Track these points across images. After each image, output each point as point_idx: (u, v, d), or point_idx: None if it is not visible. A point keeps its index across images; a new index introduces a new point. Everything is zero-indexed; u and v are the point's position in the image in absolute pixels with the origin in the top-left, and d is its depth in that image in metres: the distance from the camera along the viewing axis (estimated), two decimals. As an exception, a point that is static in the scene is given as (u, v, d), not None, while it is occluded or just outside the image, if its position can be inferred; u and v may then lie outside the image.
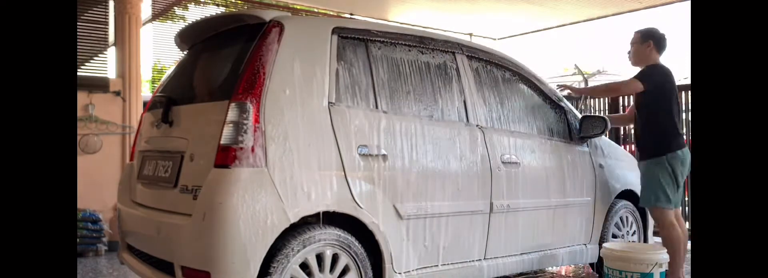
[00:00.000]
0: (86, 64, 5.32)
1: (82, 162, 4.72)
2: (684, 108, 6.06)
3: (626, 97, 6.62)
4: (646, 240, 4.10)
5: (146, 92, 6.33)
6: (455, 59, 3.04)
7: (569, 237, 3.48)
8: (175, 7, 6.64)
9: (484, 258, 2.96)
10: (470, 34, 8.12)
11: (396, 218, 2.54)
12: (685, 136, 3.96)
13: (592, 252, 3.62)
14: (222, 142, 2.17)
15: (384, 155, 2.53)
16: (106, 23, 5.39)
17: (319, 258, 2.34)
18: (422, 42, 2.93)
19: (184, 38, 3.05)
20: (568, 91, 3.99)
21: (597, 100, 6.78)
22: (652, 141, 3.57)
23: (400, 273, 2.56)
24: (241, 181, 2.13)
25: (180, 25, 5.75)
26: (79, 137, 4.97)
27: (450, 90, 3.00)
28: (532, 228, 3.23)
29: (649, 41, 3.66)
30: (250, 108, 2.19)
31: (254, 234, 2.12)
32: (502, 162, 3.02)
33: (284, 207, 2.18)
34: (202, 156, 2.29)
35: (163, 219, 2.42)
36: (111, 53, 5.43)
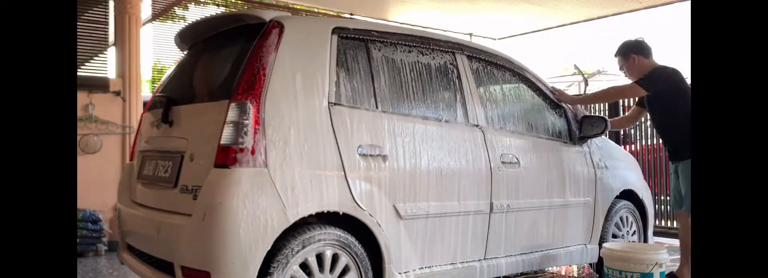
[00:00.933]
0: (86, 64, 5.32)
1: (82, 162, 4.72)
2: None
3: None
4: (646, 240, 4.10)
5: (146, 92, 6.33)
6: (455, 59, 3.04)
7: (569, 237, 3.48)
8: (175, 7, 6.64)
9: (484, 258, 2.96)
10: (470, 34, 8.12)
11: (396, 218, 2.54)
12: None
13: (592, 252, 3.62)
14: (222, 142, 2.17)
15: (384, 155, 2.53)
16: (106, 23, 5.40)
17: (319, 258, 2.34)
18: (422, 42, 2.93)
19: (184, 38, 3.05)
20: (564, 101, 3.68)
21: (597, 100, 6.77)
22: (687, 139, 3.28)
23: (400, 273, 2.56)
24: (241, 181, 2.13)
25: (180, 25, 5.75)
26: (79, 137, 4.97)
27: (450, 90, 3.00)
28: (532, 229, 3.23)
29: (630, 55, 3.65)
30: (250, 108, 2.19)
31: (254, 234, 2.12)
32: (502, 163, 3.02)
33: (284, 207, 2.18)
34: (202, 156, 2.29)
35: (163, 219, 2.42)
36: (111, 53, 5.43)
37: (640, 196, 4.02)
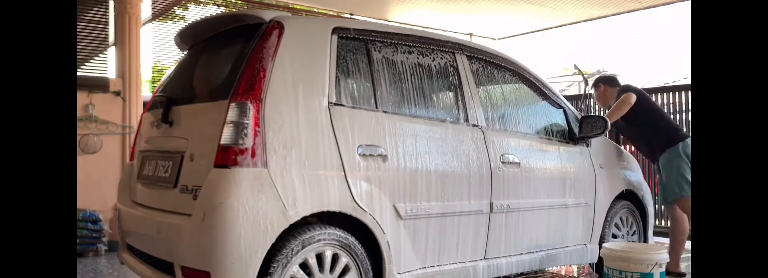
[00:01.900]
0: (86, 64, 5.32)
1: (82, 162, 4.73)
2: (684, 108, 6.07)
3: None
4: (646, 240, 4.10)
5: (146, 92, 6.33)
6: (455, 59, 3.04)
7: (569, 237, 3.48)
8: (175, 7, 6.64)
9: (484, 258, 2.96)
10: (470, 34, 8.12)
11: (396, 218, 2.54)
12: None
13: (592, 252, 3.62)
14: (222, 142, 2.17)
15: (384, 155, 2.53)
16: (106, 23, 5.40)
17: (319, 258, 2.34)
18: (422, 42, 2.93)
19: (184, 38, 3.04)
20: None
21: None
22: (662, 136, 3.95)
23: (400, 273, 2.56)
24: (241, 181, 2.13)
25: (180, 25, 5.75)
26: (79, 137, 4.97)
27: (450, 90, 3.00)
28: (532, 229, 3.22)
29: (599, 84, 4.33)
30: (250, 108, 2.19)
31: (254, 235, 2.12)
32: (502, 163, 3.02)
33: (284, 207, 2.18)
34: (202, 156, 2.29)
35: (163, 219, 2.42)
36: (111, 53, 5.43)
37: (640, 196, 4.02)
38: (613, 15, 7.21)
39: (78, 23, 5.09)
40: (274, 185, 2.18)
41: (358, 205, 2.40)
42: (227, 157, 2.15)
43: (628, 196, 3.93)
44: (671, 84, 9.49)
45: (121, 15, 5.35)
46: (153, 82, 9.66)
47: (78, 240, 4.64)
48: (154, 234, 2.43)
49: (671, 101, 6.21)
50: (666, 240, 5.57)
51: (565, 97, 4.76)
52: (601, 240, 3.68)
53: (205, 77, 2.77)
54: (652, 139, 4.05)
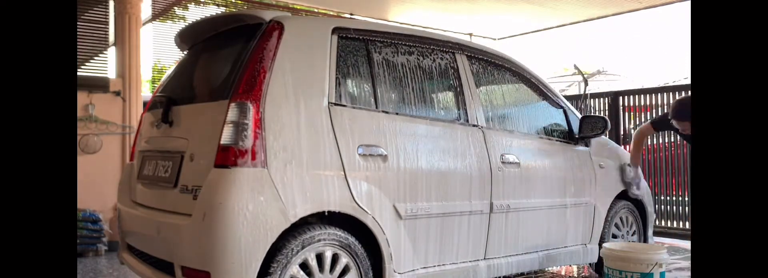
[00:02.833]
0: (86, 64, 5.31)
1: (82, 162, 4.73)
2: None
3: (626, 96, 6.64)
4: (646, 240, 4.10)
5: (146, 92, 6.33)
6: (455, 59, 3.04)
7: (569, 237, 3.48)
8: (175, 7, 6.64)
9: (484, 258, 2.96)
10: (470, 34, 8.12)
11: (396, 218, 2.54)
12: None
13: (592, 252, 3.62)
14: (222, 142, 2.17)
15: (384, 155, 2.53)
16: (106, 23, 5.39)
17: (319, 258, 2.34)
18: (422, 42, 2.93)
19: (184, 38, 3.05)
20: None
21: (597, 99, 6.80)
22: None
23: (400, 273, 2.56)
24: (241, 181, 2.13)
25: (180, 25, 5.75)
26: (79, 137, 4.96)
27: (450, 90, 3.00)
28: (532, 229, 3.22)
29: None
30: (250, 108, 2.19)
31: (254, 235, 2.12)
32: (502, 163, 3.02)
33: (284, 207, 2.18)
34: (202, 156, 2.29)
35: (163, 219, 2.42)
36: (111, 53, 5.43)
37: (640, 196, 4.02)
38: (613, 15, 7.21)
39: (78, 23, 5.09)
40: (274, 185, 2.18)
41: (358, 205, 2.40)
42: (227, 157, 2.15)
43: (628, 196, 3.93)
44: (671, 84, 9.49)
45: (121, 15, 5.35)
46: (153, 82, 9.65)
47: (78, 240, 4.64)
48: (154, 234, 2.43)
49: (671, 101, 6.21)
50: (666, 240, 5.59)
51: (565, 97, 4.76)
52: (601, 240, 3.68)
53: (205, 77, 2.77)
54: None
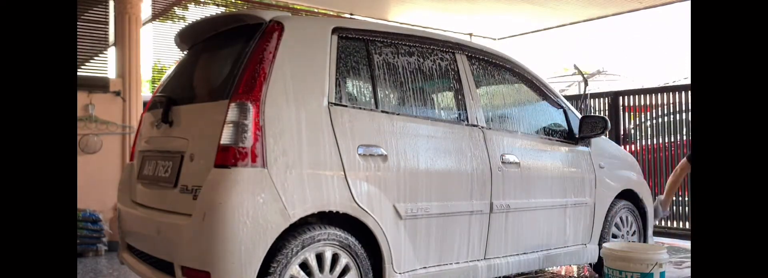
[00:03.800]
0: (86, 64, 5.32)
1: (82, 162, 4.72)
2: (684, 108, 6.08)
3: (626, 96, 6.64)
4: (646, 240, 4.10)
5: (146, 92, 6.33)
6: (455, 59, 3.04)
7: (569, 237, 3.48)
8: (175, 7, 6.64)
9: (484, 258, 2.96)
10: (470, 34, 8.12)
11: (396, 218, 2.54)
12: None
13: (592, 252, 3.62)
14: (222, 142, 2.17)
15: (384, 155, 2.53)
16: (106, 23, 5.39)
17: (319, 258, 2.34)
18: (422, 42, 2.93)
19: (184, 38, 3.04)
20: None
21: (597, 99, 6.80)
22: None
23: (400, 273, 2.56)
24: (241, 181, 2.13)
25: (180, 25, 5.75)
26: (79, 137, 4.97)
27: (450, 90, 3.00)
28: (532, 228, 3.22)
29: None
30: (250, 108, 2.19)
31: (254, 235, 2.12)
32: (502, 163, 3.02)
33: (284, 207, 2.18)
34: (202, 156, 2.29)
35: (163, 219, 2.42)
36: (111, 53, 5.43)
37: (640, 196, 4.02)
38: (613, 15, 7.21)
39: (78, 23, 5.09)
40: (274, 185, 2.17)
41: (358, 205, 2.40)
42: (227, 157, 2.15)
43: (628, 196, 3.93)
44: (671, 84, 9.50)
45: (121, 15, 5.35)
46: (153, 82, 9.65)
47: (78, 240, 4.64)
48: (154, 234, 2.43)
49: (671, 101, 6.22)
50: (666, 240, 5.59)
51: (565, 97, 4.76)
52: (601, 240, 3.68)
53: (205, 77, 2.77)
54: None
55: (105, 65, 5.42)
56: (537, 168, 3.25)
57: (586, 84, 6.70)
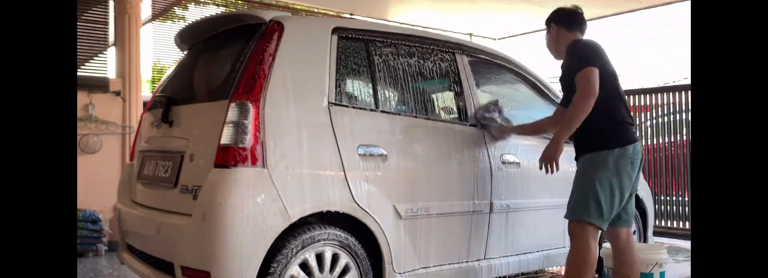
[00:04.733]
0: (86, 64, 5.31)
1: (82, 162, 4.72)
2: (684, 108, 6.08)
3: (626, 96, 6.63)
4: (646, 240, 4.10)
5: (146, 92, 6.33)
6: (455, 59, 3.04)
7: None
8: (175, 7, 6.64)
9: (484, 258, 2.96)
10: (470, 34, 8.12)
11: (396, 218, 2.54)
12: (636, 129, 2.90)
13: (592, 252, 3.61)
14: (222, 142, 2.18)
15: (384, 155, 2.53)
16: (106, 23, 5.39)
17: (319, 258, 2.34)
18: (422, 42, 2.93)
19: (184, 38, 3.05)
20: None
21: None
22: (594, 132, 2.65)
23: (400, 273, 2.56)
24: (241, 181, 2.13)
25: (180, 25, 5.74)
26: (79, 137, 4.96)
27: (450, 90, 3.00)
28: (532, 228, 3.22)
29: (551, 25, 2.97)
30: (250, 108, 2.20)
31: (254, 235, 2.12)
32: (503, 163, 3.02)
33: (284, 207, 2.18)
34: (202, 156, 2.29)
35: (163, 219, 2.42)
36: (111, 53, 5.43)
37: (640, 196, 4.01)
38: (613, 15, 7.21)
39: (78, 23, 5.08)
40: (274, 185, 2.18)
41: (358, 205, 2.40)
42: (227, 157, 2.15)
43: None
44: (671, 84, 9.49)
45: (121, 15, 5.35)
46: (153, 82, 9.65)
47: (78, 240, 4.64)
48: (154, 234, 2.44)
49: (671, 101, 6.22)
50: (666, 240, 5.59)
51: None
52: (601, 240, 3.67)
53: (205, 77, 2.78)
54: (582, 131, 2.67)
55: (105, 65, 5.42)
56: (537, 168, 3.24)
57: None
